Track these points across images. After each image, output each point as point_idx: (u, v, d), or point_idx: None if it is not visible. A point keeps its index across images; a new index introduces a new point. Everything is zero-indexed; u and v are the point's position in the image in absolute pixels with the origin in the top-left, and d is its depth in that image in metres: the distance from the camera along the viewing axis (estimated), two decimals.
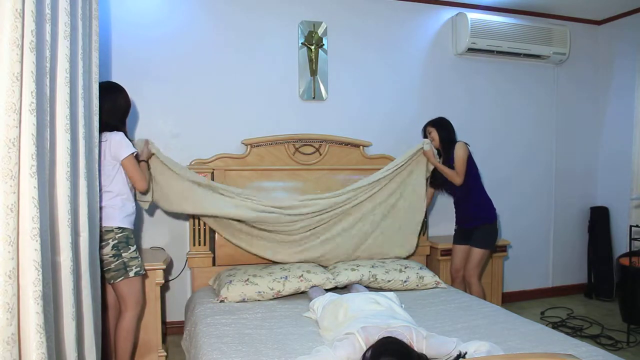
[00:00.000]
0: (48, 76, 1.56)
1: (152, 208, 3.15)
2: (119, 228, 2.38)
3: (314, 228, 3.18)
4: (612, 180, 4.38)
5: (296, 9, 3.54)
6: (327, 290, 2.83)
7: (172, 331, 3.37)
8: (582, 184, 4.47)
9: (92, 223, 2.04)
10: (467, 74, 4.01)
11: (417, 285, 3.06)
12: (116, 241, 2.37)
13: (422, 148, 3.27)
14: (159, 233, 3.33)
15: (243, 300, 2.79)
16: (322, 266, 3.17)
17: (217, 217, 3.03)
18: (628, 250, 3.50)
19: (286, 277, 2.88)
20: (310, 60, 3.57)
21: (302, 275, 2.90)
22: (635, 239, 3.35)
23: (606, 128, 4.44)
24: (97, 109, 2.18)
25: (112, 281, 2.40)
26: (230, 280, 2.85)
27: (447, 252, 3.52)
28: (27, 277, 1.37)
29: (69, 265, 1.73)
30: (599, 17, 4.35)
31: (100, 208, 2.31)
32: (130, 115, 2.59)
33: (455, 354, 1.76)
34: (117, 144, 2.34)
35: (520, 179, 4.23)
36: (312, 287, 2.86)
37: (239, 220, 3.05)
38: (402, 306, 2.42)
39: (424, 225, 3.68)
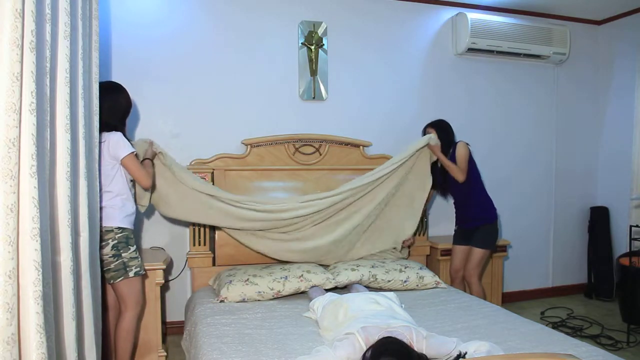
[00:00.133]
0: (48, 76, 1.56)
1: (152, 208, 3.15)
2: (119, 228, 2.38)
3: (319, 223, 3.15)
4: (612, 180, 4.38)
5: (296, 9, 3.54)
6: (327, 290, 2.83)
7: (172, 331, 3.37)
8: (582, 184, 4.47)
9: (92, 223, 2.04)
10: (467, 74, 4.01)
11: (417, 285, 3.05)
12: (116, 241, 2.37)
13: (429, 143, 3.17)
14: (159, 233, 3.33)
15: (243, 300, 2.79)
16: (322, 266, 3.16)
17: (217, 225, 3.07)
18: (628, 250, 3.50)
19: (286, 277, 2.88)
20: (310, 60, 3.57)
21: (302, 275, 2.90)
22: (635, 239, 3.35)
23: (606, 128, 4.44)
24: (97, 108, 2.18)
25: (112, 281, 2.40)
26: (230, 280, 2.85)
27: (447, 252, 3.52)
28: (27, 277, 1.36)
29: (69, 265, 1.73)
30: (599, 17, 4.35)
31: (100, 208, 2.31)
32: (131, 115, 2.59)
33: (455, 354, 1.76)
34: (115, 144, 2.34)
35: (520, 179, 4.23)
36: (312, 287, 2.86)
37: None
38: (402, 306, 2.42)
39: (424, 225, 3.68)
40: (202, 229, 3.20)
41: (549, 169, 4.36)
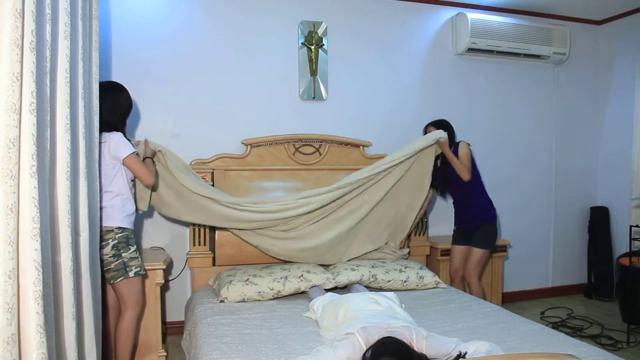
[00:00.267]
0: (48, 76, 1.56)
1: (152, 208, 3.14)
2: (119, 228, 2.38)
3: (317, 221, 3.14)
4: (612, 180, 4.38)
5: (296, 9, 3.54)
6: (327, 290, 2.83)
7: (172, 331, 3.37)
8: (582, 184, 4.47)
9: (92, 223, 2.04)
10: (467, 74, 4.01)
11: (417, 285, 3.06)
12: (116, 241, 2.37)
13: (439, 140, 3.11)
14: (159, 233, 3.33)
15: (243, 300, 2.79)
16: (322, 266, 3.16)
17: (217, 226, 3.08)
18: (628, 250, 3.50)
19: (286, 277, 2.88)
20: (310, 60, 3.57)
21: (302, 275, 2.90)
22: (635, 239, 3.35)
23: (606, 128, 4.44)
24: (97, 108, 2.18)
25: (112, 281, 2.40)
26: (230, 280, 2.85)
27: (447, 252, 3.52)
28: (27, 277, 1.37)
29: (69, 265, 1.73)
30: (599, 17, 4.35)
31: (101, 208, 2.31)
32: (131, 115, 2.59)
33: (455, 354, 1.76)
34: (116, 145, 2.34)
35: (520, 179, 4.23)
36: (312, 287, 2.86)
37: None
38: (402, 306, 2.42)
39: (424, 225, 3.68)
40: (202, 229, 3.20)
41: (549, 169, 4.36)
